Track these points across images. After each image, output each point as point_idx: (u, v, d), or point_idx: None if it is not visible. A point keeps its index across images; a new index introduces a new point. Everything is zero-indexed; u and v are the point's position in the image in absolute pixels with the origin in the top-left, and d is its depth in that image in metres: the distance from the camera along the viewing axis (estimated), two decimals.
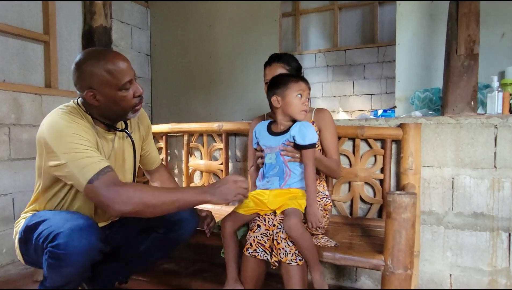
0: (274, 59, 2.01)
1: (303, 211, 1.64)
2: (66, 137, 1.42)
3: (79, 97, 1.59)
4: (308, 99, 1.71)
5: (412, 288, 1.81)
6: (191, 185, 2.71)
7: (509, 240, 1.95)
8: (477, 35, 2.10)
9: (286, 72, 1.94)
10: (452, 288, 2.05)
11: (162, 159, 2.68)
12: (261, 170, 1.79)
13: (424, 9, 3.04)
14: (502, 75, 2.65)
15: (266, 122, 1.82)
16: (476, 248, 2.01)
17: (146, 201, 1.37)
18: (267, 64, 2.03)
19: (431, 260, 2.09)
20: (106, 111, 1.55)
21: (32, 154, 2.74)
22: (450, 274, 2.06)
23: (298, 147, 1.66)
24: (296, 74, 1.98)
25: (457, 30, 2.13)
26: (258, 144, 1.82)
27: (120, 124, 1.69)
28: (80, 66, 1.47)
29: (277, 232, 1.58)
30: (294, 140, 1.66)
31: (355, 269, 2.24)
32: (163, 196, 1.41)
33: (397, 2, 3.13)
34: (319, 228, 1.71)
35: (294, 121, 1.72)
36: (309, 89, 1.72)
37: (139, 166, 1.88)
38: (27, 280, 2.33)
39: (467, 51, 2.11)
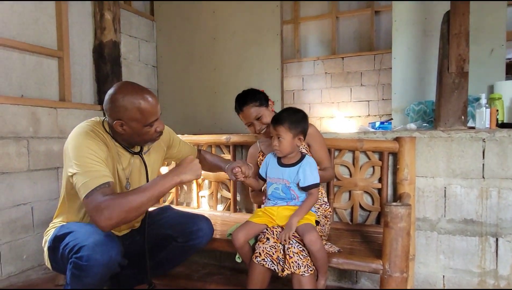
0: (242, 104, 2.08)
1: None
2: (80, 149, 1.58)
3: (106, 117, 1.75)
4: (279, 138, 1.82)
5: (408, 288, 1.98)
6: (200, 193, 2.88)
7: (497, 245, 2.13)
8: (467, 54, 2.27)
9: (258, 108, 2.06)
10: (445, 288, 2.22)
11: None
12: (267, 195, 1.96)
13: (418, 25, 3.22)
14: (491, 89, 2.82)
15: (276, 155, 1.95)
16: (467, 251, 2.18)
17: (126, 209, 1.48)
18: (239, 111, 2.12)
19: (426, 263, 2.26)
20: (128, 138, 1.72)
21: (49, 165, 2.90)
22: (443, 276, 2.23)
23: (303, 188, 1.83)
24: (266, 101, 2.11)
25: (448, 49, 2.30)
26: (265, 173, 1.98)
27: (137, 147, 1.85)
28: (116, 99, 1.62)
29: (288, 247, 1.72)
30: (298, 182, 1.84)
31: (356, 271, 2.41)
32: (138, 197, 1.51)
33: (393, 18, 3.31)
34: (284, 241, 1.75)
35: (302, 154, 1.90)
36: (278, 130, 1.82)
37: None
38: (48, 285, 2.48)
39: (458, 69, 2.28)
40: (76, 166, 1.56)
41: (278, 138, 1.83)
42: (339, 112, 6.21)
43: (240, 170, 1.90)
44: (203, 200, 2.91)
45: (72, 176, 1.58)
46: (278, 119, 1.85)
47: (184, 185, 2.95)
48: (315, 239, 1.68)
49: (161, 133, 1.75)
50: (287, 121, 1.83)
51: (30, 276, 2.64)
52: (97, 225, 1.48)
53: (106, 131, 1.73)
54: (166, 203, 2.93)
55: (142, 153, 1.85)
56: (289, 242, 1.72)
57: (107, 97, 1.65)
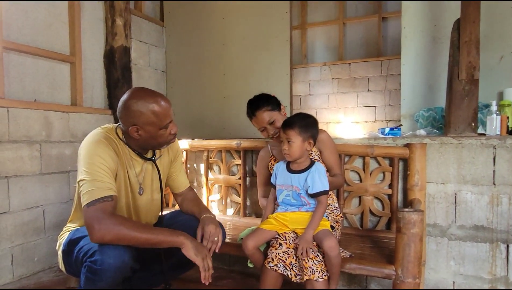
0: (255, 109, 2.08)
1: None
2: (90, 157, 1.61)
3: (119, 124, 1.77)
4: (289, 141, 1.83)
5: None
6: (210, 197, 2.89)
7: (507, 251, 2.13)
8: (477, 61, 2.29)
9: (271, 112, 2.07)
10: None
11: None
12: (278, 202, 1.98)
13: (427, 32, 3.24)
14: (501, 96, 2.83)
15: (284, 162, 1.98)
16: (477, 258, 2.18)
17: (122, 236, 1.51)
18: (251, 116, 2.11)
19: (436, 269, 2.27)
20: (143, 144, 1.74)
21: (61, 168, 2.94)
22: (453, 282, 2.24)
23: (312, 195, 1.85)
24: (278, 105, 2.11)
25: (459, 56, 2.32)
26: (275, 180, 2.00)
27: (149, 153, 1.86)
28: (129, 105, 1.64)
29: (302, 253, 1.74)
30: (307, 189, 1.85)
31: (365, 276, 2.42)
32: (138, 234, 1.53)
33: (402, 25, 3.33)
34: (305, 255, 1.73)
35: (311, 161, 1.92)
36: (288, 134, 1.84)
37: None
38: (59, 287, 2.51)
39: (468, 76, 2.29)
40: (85, 173, 1.59)
41: (288, 142, 1.85)
42: (345, 117, 6.23)
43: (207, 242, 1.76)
44: (213, 205, 2.93)
45: (79, 181, 1.61)
46: (288, 123, 1.87)
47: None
48: (334, 245, 1.70)
49: (175, 135, 1.77)
50: (297, 125, 1.85)
51: (41, 278, 2.67)
52: (89, 235, 1.51)
53: (119, 137, 1.75)
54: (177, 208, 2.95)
55: (155, 158, 1.87)
56: (307, 254, 1.72)
57: (120, 104, 1.67)
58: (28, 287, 2.52)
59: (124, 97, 1.68)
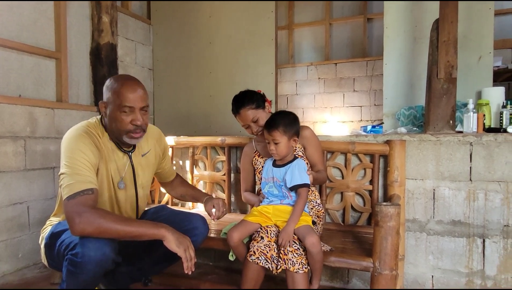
0: (239, 106, 2.12)
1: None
2: (71, 151, 1.64)
3: (101, 116, 1.81)
4: (276, 143, 1.87)
5: (398, 288, 2.04)
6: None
7: (483, 245, 2.20)
8: (455, 61, 2.35)
9: (255, 110, 2.10)
10: (434, 288, 2.29)
11: None
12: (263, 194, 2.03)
13: (409, 32, 3.31)
14: (479, 95, 2.91)
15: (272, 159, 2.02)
16: (455, 252, 2.25)
17: (103, 229, 1.52)
18: (235, 112, 2.15)
19: (415, 263, 2.33)
20: (110, 127, 1.76)
21: (46, 164, 2.93)
22: (432, 276, 2.30)
23: (290, 189, 1.89)
24: (263, 102, 2.15)
25: (437, 56, 2.38)
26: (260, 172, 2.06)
27: (128, 147, 1.88)
28: (107, 83, 1.76)
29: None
30: (285, 183, 1.90)
31: (347, 271, 2.47)
32: (119, 227, 1.55)
33: (384, 25, 3.40)
34: (285, 247, 1.78)
35: (294, 157, 1.97)
36: (274, 135, 1.87)
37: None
38: (44, 283, 2.50)
39: (447, 75, 2.35)
40: (65, 167, 1.61)
41: (275, 143, 1.88)
42: (332, 117, 6.30)
43: (214, 212, 1.98)
44: None
45: (60, 175, 1.63)
46: (272, 124, 1.90)
47: None
48: (316, 241, 1.74)
49: (138, 127, 1.73)
50: (281, 125, 1.88)
51: (25, 275, 2.66)
52: (70, 228, 1.53)
53: (104, 127, 1.79)
54: (162, 203, 2.97)
55: (131, 152, 1.88)
56: (288, 247, 1.77)
57: None
58: (12, 284, 2.51)
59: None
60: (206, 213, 2.05)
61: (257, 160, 2.22)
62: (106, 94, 1.74)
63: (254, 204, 2.12)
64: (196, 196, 2.19)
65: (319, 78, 6.38)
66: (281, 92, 6.50)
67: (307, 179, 1.89)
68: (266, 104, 2.19)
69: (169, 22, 4.22)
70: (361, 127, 3.51)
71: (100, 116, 1.83)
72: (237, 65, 3.91)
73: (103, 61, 3.46)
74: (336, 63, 6.24)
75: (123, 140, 1.77)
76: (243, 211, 2.77)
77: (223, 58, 3.97)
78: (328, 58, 6.34)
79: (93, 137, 1.73)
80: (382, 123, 3.33)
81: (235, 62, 3.92)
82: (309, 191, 2.01)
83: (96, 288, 2.04)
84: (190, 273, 1.66)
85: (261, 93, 2.22)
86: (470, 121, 2.38)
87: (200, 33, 4.07)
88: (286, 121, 1.91)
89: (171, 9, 4.20)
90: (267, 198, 1.99)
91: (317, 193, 2.21)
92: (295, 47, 6.63)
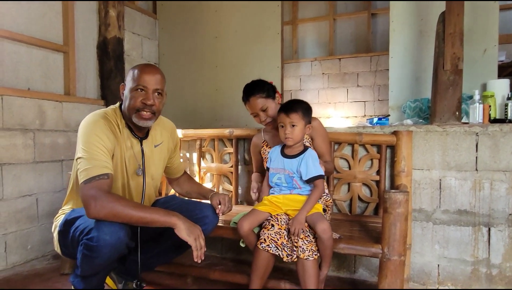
0: (249, 94, 2.13)
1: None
2: (88, 135, 1.68)
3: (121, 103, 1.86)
4: (294, 126, 1.90)
5: (405, 277, 2.06)
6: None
7: (489, 234, 2.22)
8: (461, 52, 2.37)
9: (264, 99, 2.11)
10: (440, 277, 2.31)
11: None
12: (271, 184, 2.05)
13: (414, 26, 3.33)
14: (484, 87, 2.92)
15: (280, 147, 2.05)
16: (461, 241, 2.27)
17: (116, 213, 1.57)
18: (245, 100, 2.17)
19: (421, 252, 2.35)
20: (124, 108, 1.81)
21: (54, 157, 2.97)
22: (438, 265, 2.32)
23: (307, 181, 1.91)
24: (273, 93, 2.17)
25: (444, 48, 2.40)
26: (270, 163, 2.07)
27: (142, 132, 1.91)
28: (129, 70, 1.83)
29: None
30: (300, 175, 1.92)
31: (354, 261, 2.50)
32: (133, 212, 1.59)
33: (390, 19, 3.42)
34: (297, 235, 1.81)
35: (305, 147, 1.98)
36: (293, 117, 1.89)
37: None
38: (54, 273, 2.54)
39: (453, 67, 2.37)
40: (82, 151, 1.65)
41: (293, 125, 1.90)
42: (335, 112, 6.32)
43: (220, 207, 1.98)
44: None
45: (77, 159, 1.67)
46: (291, 107, 1.92)
47: None
48: (327, 227, 1.77)
49: (147, 106, 1.76)
50: (300, 109, 1.92)
51: (35, 266, 2.70)
52: (86, 211, 1.57)
53: (123, 114, 1.83)
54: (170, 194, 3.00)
55: (143, 139, 1.90)
56: (299, 234, 1.80)
57: None
58: (21, 275, 2.54)
59: None
60: None
61: (265, 150, 2.24)
62: (126, 78, 1.82)
63: (252, 188, 2.22)
64: (202, 192, 2.20)
65: (323, 73, 6.40)
66: (285, 87, 6.49)
67: (321, 170, 1.91)
68: (277, 95, 2.21)
69: (175, 16, 4.24)
70: (367, 119, 3.53)
71: (118, 104, 1.88)
72: (243, 59, 3.93)
73: (110, 55, 3.49)
74: (340, 58, 6.26)
75: (133, 122, 1.81)
76: (250, 203, 2.79)
77: (229, 52, 3.99)
78: (332, 54, 6.36)
79: (110, 123, 1.77)
80: (388, 115, 3.35)
81: (241, 56, 3.94)
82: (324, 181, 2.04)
83: (108, 277, 2.08)
84: (199, 261, 1.69)
85: (272, 84, 2.23)
86: (476, 112, 2.41)
87: (206, 27, 4.09)
88: (304, 106, 1.96)
89: (177, 4, 4.23)
90: (276, 189, 2.01)
91: (325, 183, 2.23)
92: (299, 43, 6.65)
